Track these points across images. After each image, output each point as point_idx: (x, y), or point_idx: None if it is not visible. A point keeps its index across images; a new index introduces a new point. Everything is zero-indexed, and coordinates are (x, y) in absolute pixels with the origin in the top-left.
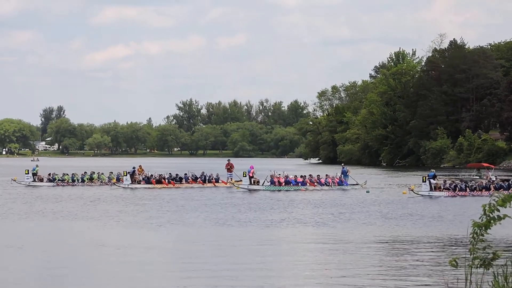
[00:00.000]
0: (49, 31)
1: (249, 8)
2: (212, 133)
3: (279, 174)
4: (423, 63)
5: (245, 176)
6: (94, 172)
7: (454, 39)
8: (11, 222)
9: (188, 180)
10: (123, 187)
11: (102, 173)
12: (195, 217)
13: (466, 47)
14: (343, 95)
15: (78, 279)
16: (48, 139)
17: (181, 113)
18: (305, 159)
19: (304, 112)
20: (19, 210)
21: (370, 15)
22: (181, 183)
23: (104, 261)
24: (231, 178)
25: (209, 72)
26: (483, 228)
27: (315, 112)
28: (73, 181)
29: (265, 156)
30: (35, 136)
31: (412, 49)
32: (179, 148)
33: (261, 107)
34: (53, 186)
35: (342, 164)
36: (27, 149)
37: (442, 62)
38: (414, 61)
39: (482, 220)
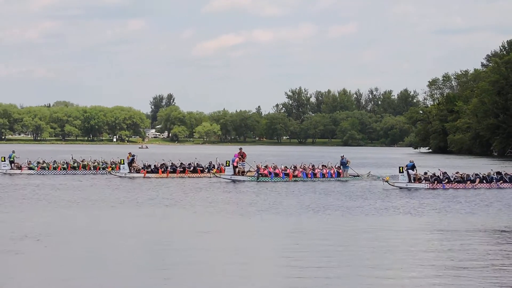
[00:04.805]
0: (162, 20)
1: None
2: (321, 121)
3: (265, 166)
4: None
5: (229, 166)
6: (76, 160)
7: None
8: (99, 210)
9: (197, 170)
10: (120, 176)
11: (83, 159)
12: (294, 204)
13: None
14: (454, 84)
15: (189, 265)
16: (158, 126)
17: (290, 102)
18: (415, 148)
19: (414, 101)
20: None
21: (483, 3)
22: (184, 173)
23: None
24: (243, 168)
25: (319, 61)
26: None
27: (425, 101)
28: (54, 169)
29: (374, 145)
30: (145, 124)
31: None
32: (288, 137)
33: (370, 96)
34: (33, 174)
35: (342, 155)
36: (137, 137)
37: None
38: None
39: None
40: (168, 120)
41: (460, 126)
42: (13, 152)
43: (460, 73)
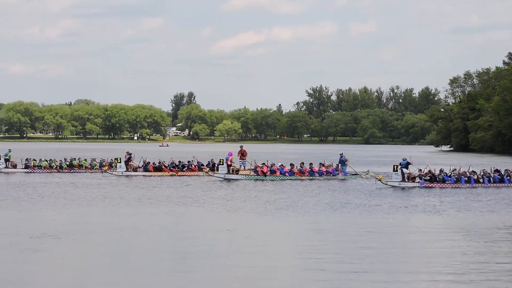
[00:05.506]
0: (181, 18)
1: None
2: (342, 119)
3: (263, 164)
4: None
5: (222, 164)
6: (74, 159)
7: None
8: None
9: (191, 167)
10: (117, 175)
11: (85, 159)
12: (312, 202)
13: None
14: (475, 82)
15: (210, 266)
16: (178, 125)
17: (311, 100)
18: (436, 146)
19: (436, 99)
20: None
21: (503, 1)
22: (183, 171)
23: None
24: (244, 166)
25: (340, 59)
26: None
27: (446, 99)
28: (51, 167)
29: (395, 143)
30: (166, 122)
31: None
32: (308, 135)
33: (391, 94)
34: (29, 172)
35: (341, 152)
36: (158, 135)
37: None
38: None
39: None
40: (189, 118)
41: (481, 124)
42: (10, 151)
43: (481, 71)
